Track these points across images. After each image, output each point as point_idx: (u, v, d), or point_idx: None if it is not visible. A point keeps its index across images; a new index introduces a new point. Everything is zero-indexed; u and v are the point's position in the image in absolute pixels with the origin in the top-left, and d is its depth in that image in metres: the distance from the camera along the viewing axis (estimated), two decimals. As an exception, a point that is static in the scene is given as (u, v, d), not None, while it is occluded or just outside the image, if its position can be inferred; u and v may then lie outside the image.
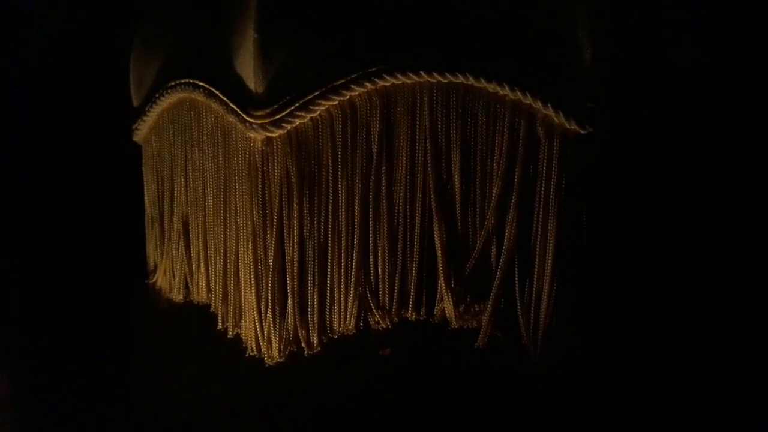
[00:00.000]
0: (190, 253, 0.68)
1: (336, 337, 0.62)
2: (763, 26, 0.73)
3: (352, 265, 0.60)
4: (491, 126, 0.57)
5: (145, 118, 0.69)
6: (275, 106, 0.58)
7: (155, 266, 0.73)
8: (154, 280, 0.73)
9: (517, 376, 0.71)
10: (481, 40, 0.56)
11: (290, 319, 0.61)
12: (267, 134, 0.59)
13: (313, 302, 0.61)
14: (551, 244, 0.58)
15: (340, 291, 0.61)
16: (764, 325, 0.74)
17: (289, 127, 0.58)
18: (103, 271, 0.86)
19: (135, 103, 0.71)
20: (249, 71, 0.58)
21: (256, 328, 0.63)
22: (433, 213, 0.58)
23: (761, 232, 0.74)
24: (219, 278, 0.65)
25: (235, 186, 0.62)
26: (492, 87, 0.56)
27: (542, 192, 0.58)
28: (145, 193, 0.73)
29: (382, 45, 0.56)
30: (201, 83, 0.62)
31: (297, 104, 0.57)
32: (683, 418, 0.76)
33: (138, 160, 0.73)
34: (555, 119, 0.56)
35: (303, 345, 0.62)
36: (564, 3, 0.56)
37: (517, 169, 0.57)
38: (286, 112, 0.58)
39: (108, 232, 0.86)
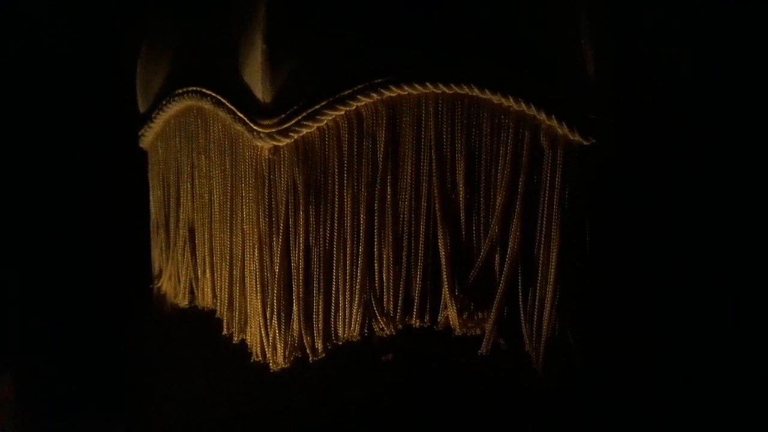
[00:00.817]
0: (196, 259, 0.69)
1: (341, 343, 0.62)
2: (765, 37, 0.74)
3: (357, 272, 0.60)
4: (496, 136, 0.58)
5: (151, 124, 0.69)
6: (283, 115, 0.58)
7: (160, 271, 0.73)
8: (158, 285, 0.73)
9: (520, 384, 0.71)
10: (487, 52, 0.56)
11: (295, 326, 0.62)
12: (274, 143, 0.59)
13: (318, 309, 0.62)
14: (554, 253, 0.59)
15: (345, 298, 0.61)
16: (765, 335, 0.75)
17: (296, 137, 0.59)
18: (107, 275, 0.87)
19: (141, 109, 0.71)
20: (257, 81, 0.58)
21: (261, 334, 0.63)
22: (438, 222, 0.59)
23: (765, 244, 0.75)
24: (224, 284, 0.66)
25: (242, 193, 0.63)
26: (497, 98, 0.56)
27: (546, 202, 0.58)
28: (151, 198, 0.73)
29: (388, 56, 0.57)
30: (209, 91, 0.63)
31: (304, 114, 0.58)
32: (686, 425, 0.77)
33: (144, 166, 0.73)
34: (559, 130, 0.57)
35: (308, 351, 0.62)
36: (568, 15, 0.57)
37: (521, 179, 0.58)
38: (294, 121, 0.58)
39: (113, 237, 0.86)
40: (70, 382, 0.86)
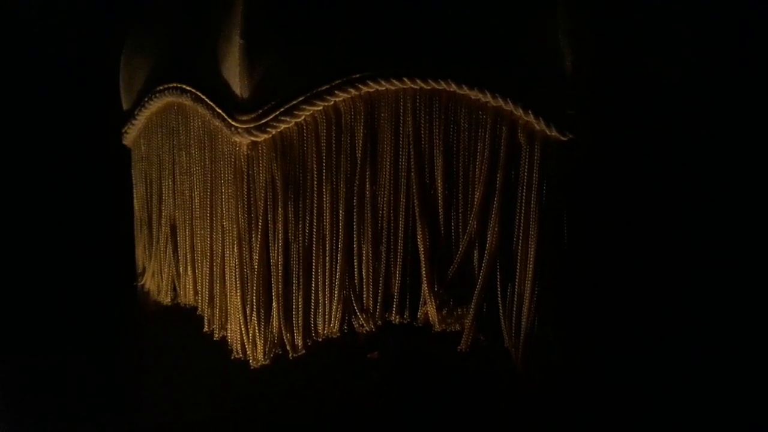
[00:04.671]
0: (178, 256, 0.69)
1: (320, 339, 0.62)
2: (745, 34, 0.74)
3: (336, 268, 0.60)
4: (473, 132, 0.58)
5: (134, 121, 0.69)
6: (260, 111, 0.58)
7: (144, 269, 0.73)
8: (142, 282, 0.73)
9: (500, 379, 0.71)
10: (464, 48, 0.56)
11: (275, 322, 0.62)
12: (252, 139, 0.59)
13: (297, 305, 0.61)
14: (533, 249, 0.59)
15: (324, 294, 0.61)
16: (744, 332, 0.75)
17: (274, 132, 0.59)
18: (91, 273, 0.87)
19: (124, 106, 0.72)
20: (235, 76, 0.58)
21: (241, 331, 0.63)
22: (417, 217, 0.59)
23: (744, 240, 0.75)
24: (205, 281, 0.66)
25: (221, 189, 0.63)
26: (474, 94, 0.56)
27: (524, 197, 0.58)
28: (134, 196, 0.73)
29: (366, 51, 0.57)
30: (188, 88, 0.63)
31: (282, 109, 0.58)
32: (665, 420, 0.77)
33: (127, 163, 0.73)
34: (536, 126, 0.57)
35: (288, 347, 0.62)
36: (545, 11, 0.57)
37: (498, 175, 0.58)
38: (271, 117, 0.58)
39: (97, 235, 0.86)
40: (56, 378, 0.86)
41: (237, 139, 0.60)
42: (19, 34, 0.84)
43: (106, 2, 0.84)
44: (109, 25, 0.79)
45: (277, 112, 0.58)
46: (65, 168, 0.86)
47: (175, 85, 0.64)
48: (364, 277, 0.60)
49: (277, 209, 0.60)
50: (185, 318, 0.69)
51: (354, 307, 0.61)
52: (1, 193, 0.86)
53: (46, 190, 0.87)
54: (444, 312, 0.60)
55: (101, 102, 0.77)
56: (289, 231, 0.61)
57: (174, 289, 0.70)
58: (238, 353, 0.64)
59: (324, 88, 0.57)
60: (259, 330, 0.62)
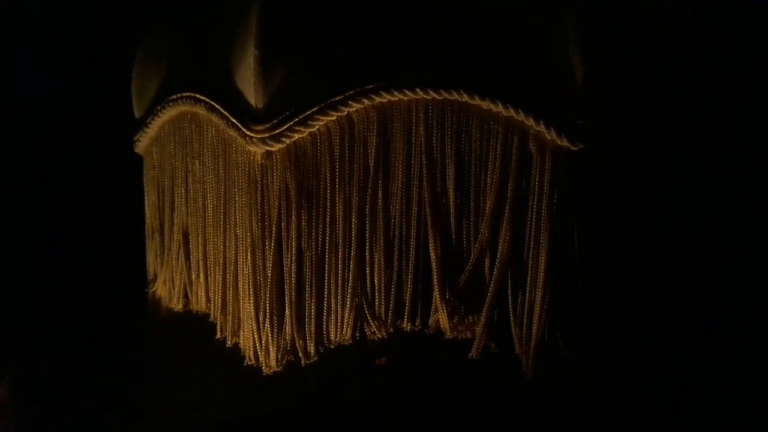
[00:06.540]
0: (190, 263, 0.69)
1: (333, 346, 0.63)
2: (755, 44, 0.75)
3: (348, 276, 0.61)
4: (485, 142, 0.59)
5: (146, 129, 0.70)
6: (275, 121, 0.59)
7: (155, 276, 0.74)
8: (153, 289, 0.74)
9: (510, 387, 0.72)
10: (476, 59, 0.57)
11: (288, 329, 0.62)
12: (267, 148, 0.60)
13: (310, 312, 0.62)
14: (543, 257, 0.59)
15: (336, 301, 0.62)
16: (751, 342, 0.76)
17: (288, 142, 0.60)
18: (102, 279, 0.87)
19: (137, 114, 0.72)
20: (250, 87, 0.59)
21: (254, 338, 0.64)
22: (429, 226, 0.60)
23: (757, 248, 0.76)
24: (218, 288, 0.67)
25: (235, 198, 0.63)
26: (486, 104, 0.57)
27: (534, 206, 0.59)
28: (146, 203, 0.74)
29: (379, 62, 0.57)
30: (202, 97, 0.63)
31: (296, 119, 0.59)
32: (675, 427, 0.77)
33: (139, 170, 0.74)
34: (547, 136, 0.58)
35: (300, 354, 0.63)
36: (556, 22, 0.58)
37: (510, 184, 0.59)
38: (286, 127, 0.59)
39: (108, 242, 0.87)
40: (67, 384, 0.86)
41: (251, 148, 0.61)
42: (31, 41, 0.85)
43: (119, 10, 0.85)
44: (121, 32, 0.80)
45: (292, 122, 0.59)
46: (77, 175, 0.87)
47: (188, 94, 0.65)
48: (376, 284, 0.61)
49: (291, 217, 0.61)
50: (197, 325, 0.69)
51: (366, 314, 0.62)
52: (11, 200, 0.86)
53: (57, 197, 0.88)
54: (455, 319, 0.61)
55: (113, 110, 0.77)
56: (303, 239, 0.61)
57: (186, 296, 0.71)
58: (250, 360, 0.64)
59: (338, 98, 0.58)
60: (272, 337, 0.63)
